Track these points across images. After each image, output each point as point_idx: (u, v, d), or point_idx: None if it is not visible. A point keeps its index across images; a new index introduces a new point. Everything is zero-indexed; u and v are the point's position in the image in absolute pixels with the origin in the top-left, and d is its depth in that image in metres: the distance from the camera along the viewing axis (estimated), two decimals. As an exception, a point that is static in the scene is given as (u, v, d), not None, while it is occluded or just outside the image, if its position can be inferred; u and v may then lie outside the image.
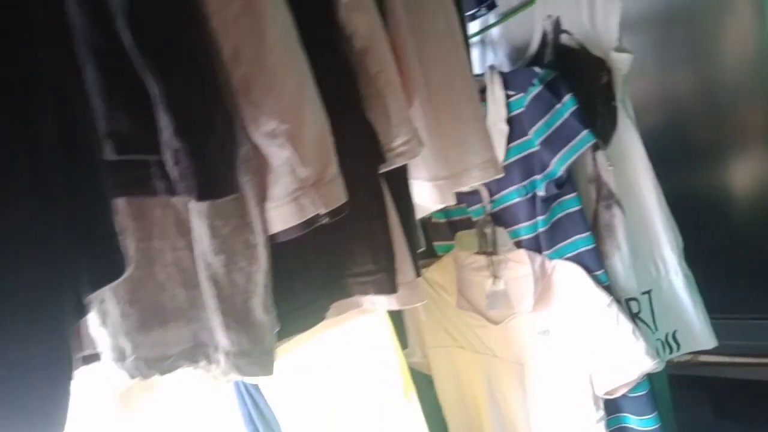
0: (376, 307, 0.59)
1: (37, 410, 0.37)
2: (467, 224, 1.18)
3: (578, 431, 1.09)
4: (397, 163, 0.59)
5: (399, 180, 0.64)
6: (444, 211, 1.20)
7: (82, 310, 0.45)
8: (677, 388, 1.40)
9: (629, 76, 1.01)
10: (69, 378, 0.41)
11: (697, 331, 1.08)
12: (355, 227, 0.56)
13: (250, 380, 1.14)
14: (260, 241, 0.50)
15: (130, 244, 0.51)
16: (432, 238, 1.23)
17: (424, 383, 1.26)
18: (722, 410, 1.64)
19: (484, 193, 1.12)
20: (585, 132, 0.96)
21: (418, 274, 0.62)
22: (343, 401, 1.09)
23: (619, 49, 0.96)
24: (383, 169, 0.60)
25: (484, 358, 1.17)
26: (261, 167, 0.50)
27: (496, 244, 1.14)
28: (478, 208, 1.14)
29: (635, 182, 1.03)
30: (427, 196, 0.71)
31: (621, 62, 0.96)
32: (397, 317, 1.23)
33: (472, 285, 1.19)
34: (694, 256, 1.11)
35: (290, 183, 0.48)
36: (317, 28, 0.55)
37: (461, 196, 1.17)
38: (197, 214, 0.49)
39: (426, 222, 1.23)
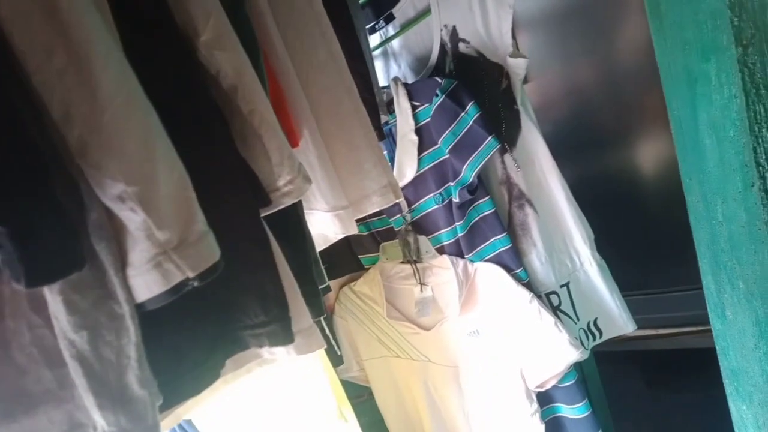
0: (275, 357, 0.54)
1: None
2: (390, 235, 1.14)
3: (515, 426, 1.08)
4: (284, 204, 0.54)
5: (290, 218, 0.59)
6: (365, 224, 1.16)
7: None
8: (608, 363, 1.43)
9: (532, 72, 0.99)
10: None
11: (616, 316, 1.09)
12: (241, 278, 0.51)
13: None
14: (126, 311, 0.44)
15: (-21, 329, 0.44)
16: (357, 251, 1.19)
17: (364, 395, 1.22)
18: (653, 379, 1.69)
19: (403, 203, 1.09)
20: (490, 138, 0.94)
21: (319, 313, 0.58)
22: (278, 428, 1.04)
23: (515, 55, 0.94)
24: (269, 211, 0.55)
25: (419, 365, 1.15)
26: (117, 231, 0.43)
27: (420, 252, 1.11)
28: (398, 218, 1.11)
29: (543, 181, 1.02)
30: (328, 227, 0.66)
31: (518, 67, 0.94)
32: (330, 333, 1.18)
33: (400, 294, 1.16)
34: (607, 239, 1.12)
35: (149, 248, 0.42)
36: (176, 70, 0.49)
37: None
38: (48, 290, 0.43)
39: (350, 237, 1.19)
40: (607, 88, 1.41)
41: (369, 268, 1.19)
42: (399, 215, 1.11)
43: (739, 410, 0.87)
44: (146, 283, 0.43)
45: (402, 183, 1.07)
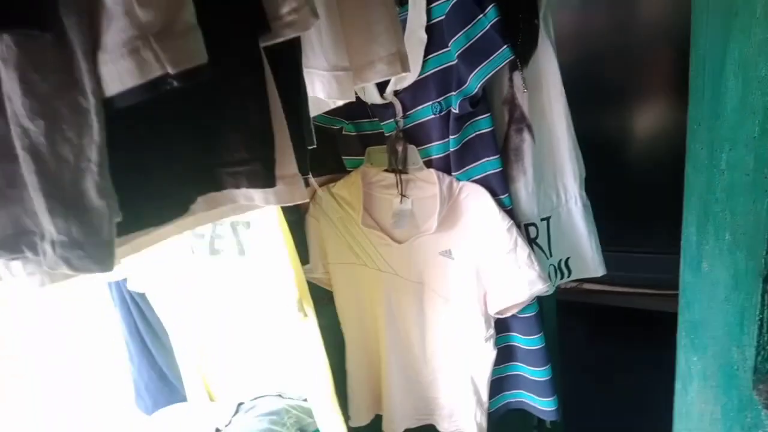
0: (251, 202, 0.50)
1: None
2: (379, 139, 1.09)
3: (469, 348, 1.08)
4: (285, 35, 0.48)
5: (290, 62, 0.53)
6: (355, 124, 1.10)
7: None
8: (561, 311, 1.45)
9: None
10: None
11: (588, 259, 1.08)
12: (226, 105, 0.45)
13: (134, 288, 1.03)
14: (92, 105, 0.38)
15: None
16: (341, 151, 1.14)
17: (324, 298, 1.20)
18: (599, 333, 1.74)
19: (398, 108, 1.03)
20: (504, 47, 0.88)
21: (304, 171, 0.53)
22: (237, 313, 1.01)
23: (547, -40, 0.87)
24: (269, 42, 0.48)
25: (385, 276, 1.13)
26: (93, 9, 0.37)
27: (407, 162, 1.06)
28: (390, 123, 1.05)
29: (548, 107, 0.98)
30: (324, 89, 0.60)
31: (548, -25, 0.87)
32: (299, 232, 1.14)
33: (379, 203, 1.11)
34: (589, 190, 1.09)
35: (127, 27, 0.35)
36: None
37: (374, 109, 1.08)
38: (3, 62, 0.36)
39: (336, 135, 1.13)
40: (618, 38, 1.35)
41: (350, 171, 1.14)
42: (392, 120, 1.05)
43: (688, 361, 0.89)
44: (119, 72, 0.37)
45: (401, 86, 1.01)
